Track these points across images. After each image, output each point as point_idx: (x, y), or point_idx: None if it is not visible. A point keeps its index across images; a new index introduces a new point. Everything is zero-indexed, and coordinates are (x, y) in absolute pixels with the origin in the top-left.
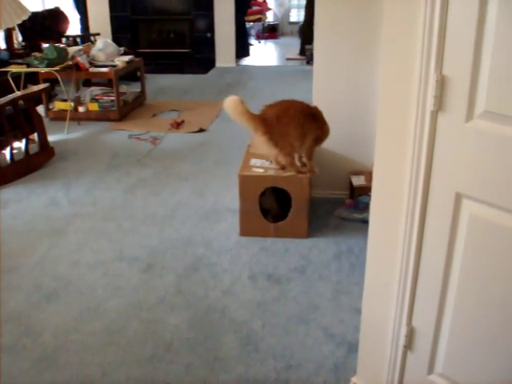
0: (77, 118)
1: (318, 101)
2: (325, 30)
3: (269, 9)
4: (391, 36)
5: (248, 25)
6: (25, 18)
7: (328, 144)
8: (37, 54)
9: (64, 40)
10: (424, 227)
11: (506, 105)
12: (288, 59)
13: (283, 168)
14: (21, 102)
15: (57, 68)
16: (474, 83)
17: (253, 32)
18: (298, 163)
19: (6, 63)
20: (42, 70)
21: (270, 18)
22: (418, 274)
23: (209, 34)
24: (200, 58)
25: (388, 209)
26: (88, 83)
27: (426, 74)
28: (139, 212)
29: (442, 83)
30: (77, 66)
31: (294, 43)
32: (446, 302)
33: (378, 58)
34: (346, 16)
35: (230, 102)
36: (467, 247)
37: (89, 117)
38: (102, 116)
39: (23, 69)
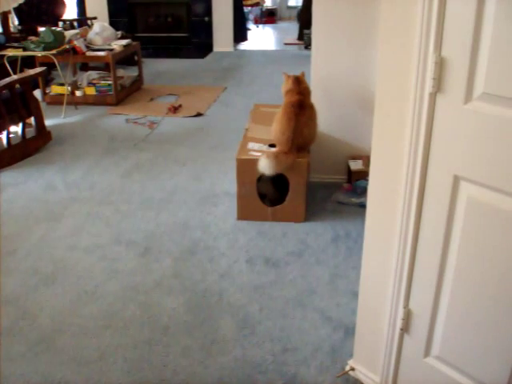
0: (74, 102)
1: (316, 85)
2: (323, 14)
3: None
4: (389, 17)
5: (246, 9)
6: (21, 1)
7: (326, 128)
8: (33, 38)
9: (60, 24)
10: (422, 210)
11: (505, 86)
12: (286, 44)
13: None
14: (17, 85)
15: (54, 52)
16: (473, 65)
17: (251, 16)
18: None
19: (3, 47)
20: (39, 53)
21: (268, 2)
22: (415, 257)
23: (206, 18)
24: (197, 42)
25: (386, 192)
26: (85, 67)
27: (425, 56)
28: (136, 196)
29: (440, 65)
30: (74, 50)
31: (292, 28)
32: (443, 285)
33: (376, 42)
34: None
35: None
36: (465, 230)
37: (86, 101)
38: (99, 100)
39: (20, 52)
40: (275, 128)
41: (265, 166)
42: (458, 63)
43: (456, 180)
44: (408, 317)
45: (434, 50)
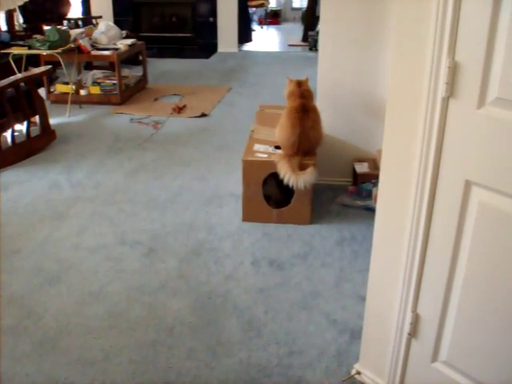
0: (78, 101)
1: (322, 87)
2: (330, 17)
3: None
4: (403, 21)
5: (250, 10)
6: None
7: (332, 131)
8: (38, 37)
9: (65, 22)
10: (432, 214)
11: None
12: (290, 45)
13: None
14: (22, 84)
15: (59, 50)
16: (487, 70)
17: (255, 17)
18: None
19: (8, 45)
20: (44, 52)
21: (272, 3)
22: (424, 262)
23: (211, 19)
24: (202, 42)
25: (396, 195)
26: (89, 66)
27: (438, 60)
28: (141, 196)
29: (454, 69)
30: (79, 49)
31: (297, 29)
32: (452, 290)
33: (384, 45)
34: (352, 1)
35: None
36: (475, 235)
37: (90, 100)
38: (103, 99)
39: (25, 51)
40: (280, 134)
41: (303, 181)
42: (472, 68)
43: (467, 185)
44: (416, 321)
45: (448, 54)
